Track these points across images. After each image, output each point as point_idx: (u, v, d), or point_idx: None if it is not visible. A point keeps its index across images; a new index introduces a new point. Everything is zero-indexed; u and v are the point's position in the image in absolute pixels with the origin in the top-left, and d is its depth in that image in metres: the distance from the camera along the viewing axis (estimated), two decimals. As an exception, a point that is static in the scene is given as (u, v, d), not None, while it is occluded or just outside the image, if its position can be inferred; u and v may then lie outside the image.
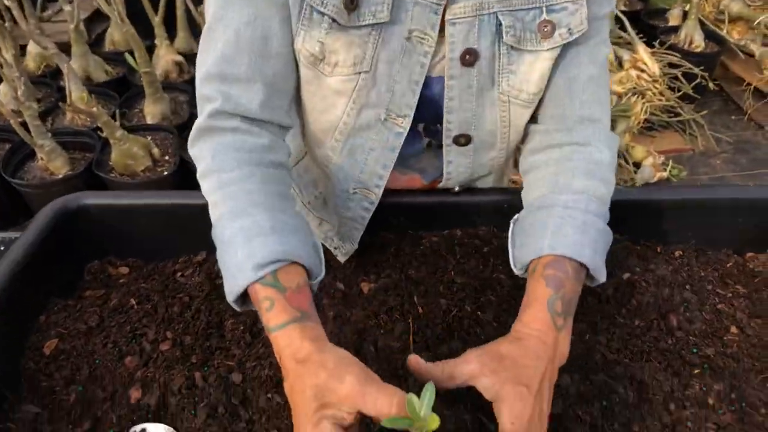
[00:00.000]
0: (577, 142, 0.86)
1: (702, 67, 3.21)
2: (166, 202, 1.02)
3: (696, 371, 0.85)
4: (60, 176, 2.22)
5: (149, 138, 2.38)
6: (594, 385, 0.82)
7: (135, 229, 1.02)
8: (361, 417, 0.62)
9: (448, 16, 0.78)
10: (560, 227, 0.78)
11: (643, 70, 3.09)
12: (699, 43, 3.34)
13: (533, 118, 0.91)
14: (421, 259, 1.01)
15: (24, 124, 2.13)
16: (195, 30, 2.99)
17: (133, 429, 0.77)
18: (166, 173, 2.28)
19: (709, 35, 3.41)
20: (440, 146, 0.93)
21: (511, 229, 0.86)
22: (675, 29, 3.47)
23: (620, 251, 1.04)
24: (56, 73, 2.77)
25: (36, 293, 0.92)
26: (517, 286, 0.94)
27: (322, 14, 0.76)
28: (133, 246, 1.03)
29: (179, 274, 1.00)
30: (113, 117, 2.25)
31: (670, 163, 2.79)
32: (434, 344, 0.86)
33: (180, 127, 2.49)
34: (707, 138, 3.10)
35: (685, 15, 3.45)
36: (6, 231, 1.06)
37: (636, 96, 3.01)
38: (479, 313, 0.91)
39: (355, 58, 0.80)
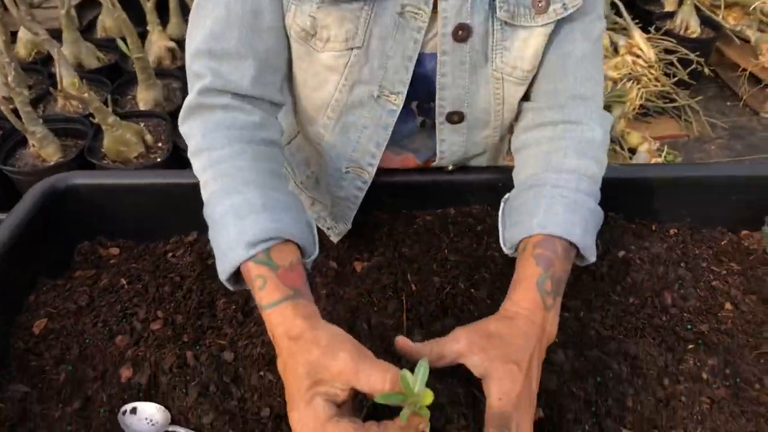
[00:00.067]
0: (569, 121, 0.85)
1: (697, 53, 3.21)
2: (156, 181, 1.01)
3: (690, 347, 0.85)
4: (52, 163, 2.21)
5: (142, 124, 2.36)
6: (588, 361, 0.82)
7: (125, 209, 1.01)
8: (355, 393, 0.62)
9: None
10: (551, 207, 0.77)
11: (638, 56, 3.08)
12: (695, 28, 3.33)
13: (526, 96, 0.90)
14: (415, 238, 1.00)
15: (15, 111, 2.11)
16: (187, 16, 2.92)
17: (124, 407, 0.77)
18: (159, 160, 2.26)
19: (705, 21, 3.40)
20: (434, 126, 0.92)
21: (501, 208, 0.86)
22: (671, 15, 3.46)
23: (615, 229, 1.03)
24: (47, 60, 2.74)
25: (24, 273, 0.91)
26: (510, 264, 0.92)
27: (313, -13, 0.75)
28: (124, 226, 1.02)
29: (170, 254, 0.99)
30: (105, 103, 2.23)
31: (665, 148, 2.79)
32: (427, 321, 0.86)
33: (173, 113, 2.47)
34: (702, 124, 3.10)
35: (680, 0, 3.43)
36: (-6, 214, 1.05)
37: (631, 82, 3.00)
38: (473, 290, 0.90)
39: (347, 33, 0.78)
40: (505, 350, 0.65)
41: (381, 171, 0.95)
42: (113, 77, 2.68)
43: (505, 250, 0.83)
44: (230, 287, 0.74)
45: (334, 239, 1.01)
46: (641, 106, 3.03)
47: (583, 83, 0.86)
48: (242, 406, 0.77)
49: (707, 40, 3.37)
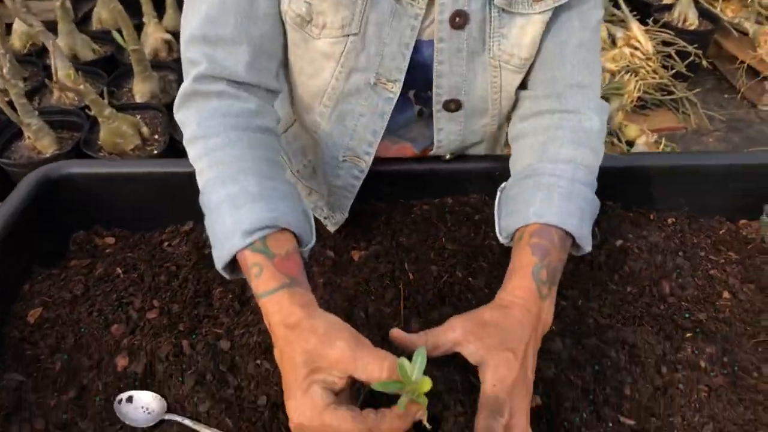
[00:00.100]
0: (566, 110, 0.85)
1: (695, 45, 3.20)
2: (151, 170, 1.01)
3: (688, 335, 0.85)
4: (47, 155, 2.19)
5: (138, 117, 2.35)
6: (586, 349, 0.81)
7: (120, 198, 1.00)
8: (352, 382, 0.61)
9: None
10: (547, 196, 0.77)
11: (636, 48, 3.07)
12: (693, 21, 3.33)
13: (523, 84, 0.90)
14: (412, 227, 1.00)
15: (10, 103, 2.10)
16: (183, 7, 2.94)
17: (119, 396, 0.76)
18: (155, 152, 2.25)
19: (703, 13, 3.40)
20: (431, 115, 0.91)
21: (497, 197, 0.85)
22: (669, 7, 3.45)
23: (613, 218, 1.03)
24: (42, 52, 2.72)
25: (18, 262, 0.91)
26: (508, 253, 0.92)
27: (309, -28, 0.74)
28: (119, 215, 1.01)
29: (166, 243, 0.98)
30: (101, 95, 2.22)
31: (663, 141, 2.78)
32: (425, 310, 0.85)
33: (169, 105, 2.42)
34: (700, 116, 3.10)
35: (679, -7, 3.43)
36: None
37: (629, 74, 3.00)
38: (470, 279, 0.90)
39: (343, 19, 0.78)
40: (500, 338, 0.65)
41: (378, 160, 0.94)
42: (109, 69, 2.67)
43: (501, 239, 0.82)
44: (226, 276, 0.73)
45: (331, 229, 1.01)
46: (639, 98, 3.02)
47: (580, 71, 0.85)
48: (239, 394, 0.77)
49: (705, 33, 3.36)
